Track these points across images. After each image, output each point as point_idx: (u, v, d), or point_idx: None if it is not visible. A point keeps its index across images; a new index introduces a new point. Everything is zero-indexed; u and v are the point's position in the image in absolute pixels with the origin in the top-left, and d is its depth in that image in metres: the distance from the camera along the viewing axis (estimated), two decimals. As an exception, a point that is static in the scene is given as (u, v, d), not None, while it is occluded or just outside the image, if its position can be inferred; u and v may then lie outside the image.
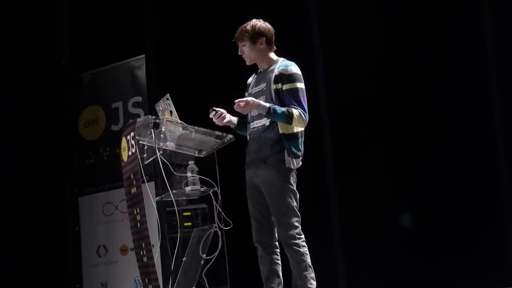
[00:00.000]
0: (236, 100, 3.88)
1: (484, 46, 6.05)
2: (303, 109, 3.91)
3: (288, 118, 3.87)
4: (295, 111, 3.87)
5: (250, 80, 4.22)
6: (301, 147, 3.97)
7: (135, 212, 4.15)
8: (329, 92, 6.43)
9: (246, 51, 4.07)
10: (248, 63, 4.13)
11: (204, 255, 4.18)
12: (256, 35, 4.03)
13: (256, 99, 3.98)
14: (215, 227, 4.21)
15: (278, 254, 4.02)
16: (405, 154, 6.13)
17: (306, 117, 3.91)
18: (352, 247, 6.23)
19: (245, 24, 4.06)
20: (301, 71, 4.02)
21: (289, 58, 4.09)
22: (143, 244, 4.11)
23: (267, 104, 3.88)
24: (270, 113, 3.86)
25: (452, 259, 5.83)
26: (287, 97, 3.92)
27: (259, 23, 4.07)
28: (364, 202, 6.20)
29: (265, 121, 3.97)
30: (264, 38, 4.05)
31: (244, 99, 3.90)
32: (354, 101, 6.31)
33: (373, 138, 6.29)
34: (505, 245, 5.86)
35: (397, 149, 6.17)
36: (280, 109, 3.87)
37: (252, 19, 4.10)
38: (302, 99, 3.93)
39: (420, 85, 6.14)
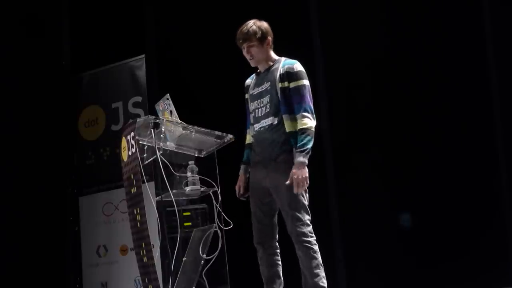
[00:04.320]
0: (296, 191, 3.79)
1: (484, 46, 6.05)
2: (309, 106, 3.90)
3: (309, 133, 3.84)
4: (304, 122, 3.85)
5: (248, 81, 4.19)
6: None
7: (135, 212, 4.15)
8: (329, 91, 6.43)
9: (255, 52, 4.03)
10: (253, 65, 4.10)
11: (204, 255, 4.18)
12: (263, 35, 4.02)
13: (260, 98, 4.00)
14: (215, 227, 4.20)
15: (279, 254, 4.01)
16: (405, 154, 6.13)
17: (313, 116, 3.90)
18: (352, 247, 6.23)
19: (249, 25, 4.02)
20: (301, 70, 4.02)
21: (289, 57, 4.09)
22: (143, 244, 4.11)
23: (300, 156, 3.79)
24: (306, 152, 3.81)
25: (452, 259, 5.83)
26: (293, 95, 3.91)
27: (263, 23, 4.05)
28: (364, 202, 6.20)
29: (272, 120, 3.95)
30: (270, 38, 4.05)
31: (296, 182, 3.76)
32: (354, 101, 6.31)
33: (373, 137, 6.29)
34: (505, 245, 5.86)
35: (397, 149, 6.18)
36: (302, 140, 3.82)
37: (251, 19, 4.08)
38: (308, 96, 3.92)
39: (420, 85, 6.14)
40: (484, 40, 6.04)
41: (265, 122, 3.99)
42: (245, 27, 4.03)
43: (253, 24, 4.03)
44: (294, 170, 3.80)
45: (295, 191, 3.79)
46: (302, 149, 3.82)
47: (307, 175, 3.81)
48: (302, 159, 3.80)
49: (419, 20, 6.18)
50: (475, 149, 5.96)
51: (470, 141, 5.95)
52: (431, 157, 6.04)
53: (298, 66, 3.96)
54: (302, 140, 3.84)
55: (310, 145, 3.84)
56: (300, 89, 3.92)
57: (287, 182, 3.79)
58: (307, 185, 3.82)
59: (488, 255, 5.75)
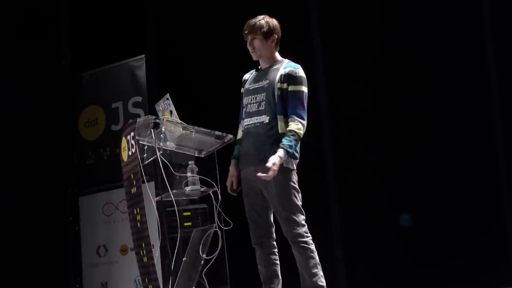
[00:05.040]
0: (261, 175, 3.75)
1: (484, 46, 6.04)
2: (304, 113, 3.89)
3: (297, 139, 3.84)
4: (297, 126, 3.84)
5: (247, 76, 4.18)
6: (299, 150, 3.94)
7: (135, 212, 4.16)
8: (329, 91, 6.43)
9: (257, 46, 4.02)
10: (255, 58, 4.09)
11: (204, 255, 4.18)
12: (269, 31, 4.01)
13: (254, 94, 3.99)
14: (215, 227, 4.20)
15: (277, 254, 4.01)
16: (406, 154, 6.13)
17: (305, 124, 3.89)
18: (352, 247, 6.23)
19: (257, 19, 4.03)
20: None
21: (289, 59, 4.09)
22: (143, 244, 4.11)
23: (281, 152, 3.78)
24: (289, 152, 3.80)
25: (452, 259, 5.83)
26: (290, 99, 3.90)
27: (272, 20, 4.06)
28: (364, 202, 6.20)
29: (264, 118, 3.93)
30: (276, 36, 4.04)
31: (270, 173, 3.73)
32: (354, 101, 6.31)
33: (373, 137, 6.29)
34: (505, 245, 5.86)
35: (397, 149, 6.17)
36: (288, 142, 3.81)
37: (261, 14, 4.08)
38: (304, 102, 3.92)
39: (420, 85, 6.14)
40: (484, 40, 6.04)
41: (257, 119, 3.97)
42: (253, 20, 4.04)
43: (262, 19, 4.04)
44: (273, 161, 3.74)
45: (260, 175, 3.73)
46: (287, 149, 3.80)
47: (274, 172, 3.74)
48: (283, 156, 3.78)
49: (419, 20, 6.18)
50: (475, 149, 5.96)
51: (470, 141, 5.95)
52: (431, 157, 6.04)
53: (300, 71, 3.96)
54: (290, 141, 3.81)
55: (293, 150, 3.82)
56: (298, 93, 3.91)
57: (267, 164, 3.72)
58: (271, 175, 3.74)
59: (488, 255, 5.75)
